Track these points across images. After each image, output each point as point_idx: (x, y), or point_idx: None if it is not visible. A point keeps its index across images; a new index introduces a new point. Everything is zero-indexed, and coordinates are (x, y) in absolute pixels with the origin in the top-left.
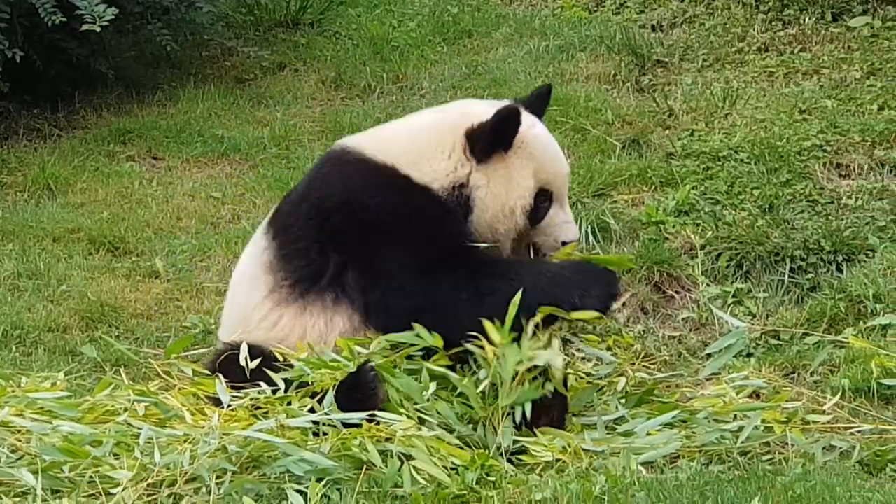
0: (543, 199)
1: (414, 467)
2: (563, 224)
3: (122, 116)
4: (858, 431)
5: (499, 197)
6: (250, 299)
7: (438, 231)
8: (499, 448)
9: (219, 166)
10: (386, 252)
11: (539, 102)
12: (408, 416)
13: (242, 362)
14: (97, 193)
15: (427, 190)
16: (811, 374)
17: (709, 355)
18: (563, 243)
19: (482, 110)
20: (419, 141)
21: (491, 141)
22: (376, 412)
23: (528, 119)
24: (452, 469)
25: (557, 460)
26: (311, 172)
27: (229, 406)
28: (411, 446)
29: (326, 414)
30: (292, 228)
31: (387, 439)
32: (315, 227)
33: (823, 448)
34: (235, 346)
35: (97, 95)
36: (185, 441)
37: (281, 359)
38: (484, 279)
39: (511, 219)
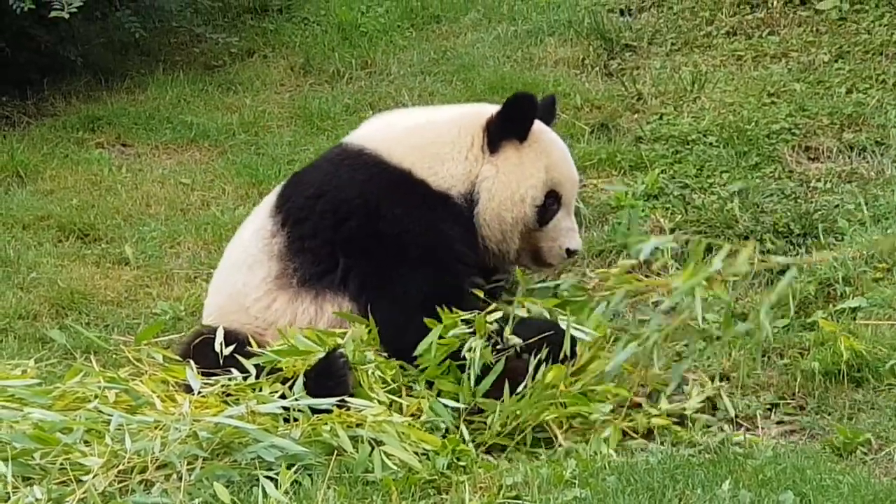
0: (553, 200)
1: (385, 453)
2: (568, 231)
3: (90, 103)
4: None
5: (508, 185)
6: (250, 280)
7: (448, 253)
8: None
9: (188, 153)
10: (395, 268)
11: (546, 114)
12: (379, 402)
13: (217, 348)
14: (66, 181)
15: (445, 198)
16: (781, 357)
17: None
18: (568, 251)
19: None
20: (437, 142)
21: (504, 126)
22: (346, 398)
23: (541, 125)
24: (423, 454)
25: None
26: (325, 167)
27: (200, 393)
28: (382, 432)
29: (296, 400)
30: (306, 223)
31: (357, 425)
32: (330, 228)
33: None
34: (212, 331)
35: (66, 82)
36: (155, 428)
37: (254, 345)
38: None
39: (520, 207)
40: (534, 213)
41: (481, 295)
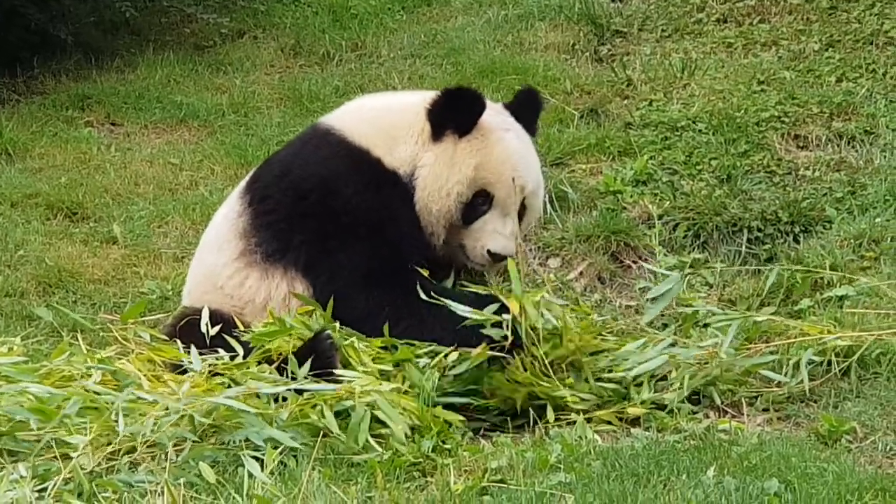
0: (482, 200)
1: (376, 417)
2: (493, 233)
3: (80, 82)
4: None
5: (439, 178)
6: (219, 259)
7: (394, 231)
8: None
9: (177, 133)
10: (342, 246)
11: (526, 110)
12: (366, 373)
13: (203, 328)
14: (55, 159)
15: (394, 178)
16: (767, 346)
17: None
18: (489, 252)
19: None
20: (396, 125)
21: (445, 116)
22: (335, 371)
23: (505, 122)
24: (410, 428)
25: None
26: (294, 146)
27: (188, 371)
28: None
29: (293, 380)
30: (269, 200)
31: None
32: (290, 204)
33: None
34: (197, 311)
35: (56, 61)
36: (151, 407)
37: (240, 325)
38: (407, 310)
39: (445, 202)
40: (459, 209)
41: (426, 273)
